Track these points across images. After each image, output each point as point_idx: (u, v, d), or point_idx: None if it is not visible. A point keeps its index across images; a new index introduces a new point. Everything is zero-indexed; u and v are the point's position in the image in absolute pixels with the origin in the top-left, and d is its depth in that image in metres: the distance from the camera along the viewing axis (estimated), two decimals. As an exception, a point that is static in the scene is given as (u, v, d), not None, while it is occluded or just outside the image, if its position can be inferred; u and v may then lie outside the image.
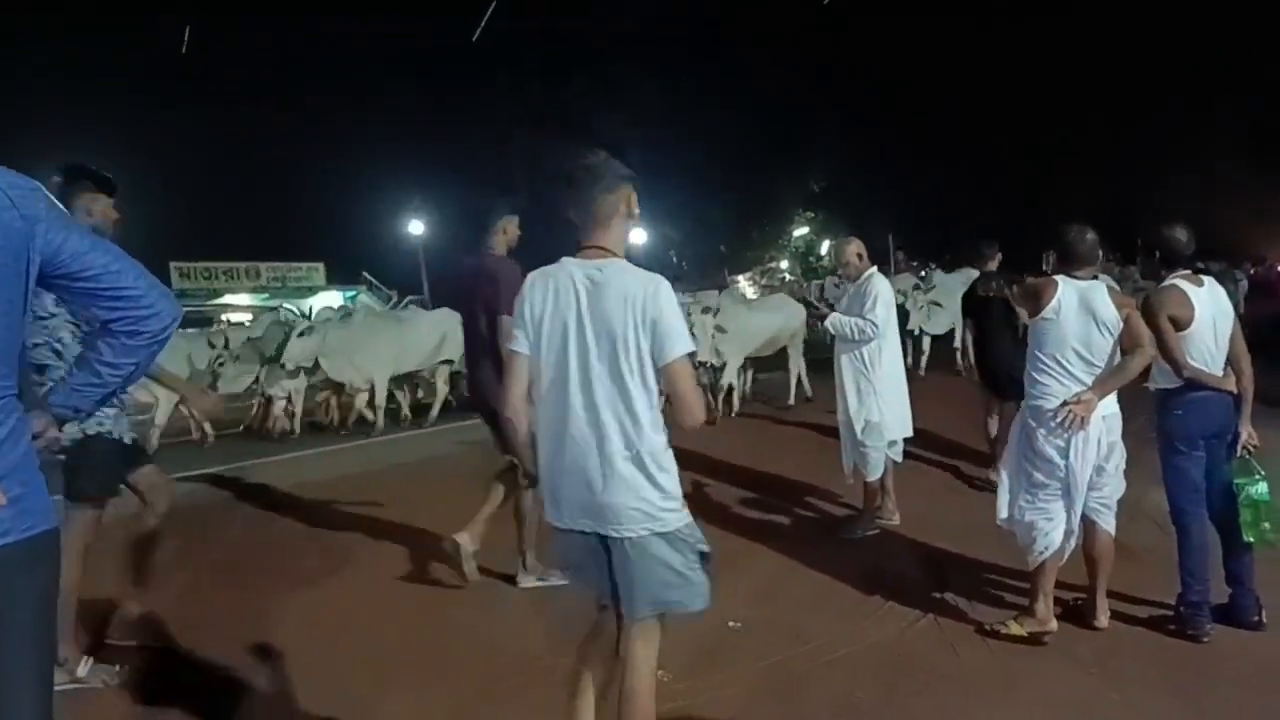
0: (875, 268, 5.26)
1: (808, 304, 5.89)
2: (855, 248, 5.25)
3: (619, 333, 2.34)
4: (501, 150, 28.19)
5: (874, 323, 5.01)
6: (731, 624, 4.00)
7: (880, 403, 5.12)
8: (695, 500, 5.99)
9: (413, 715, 3.38)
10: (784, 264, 35.21)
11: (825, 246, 38.09)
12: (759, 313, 10.53)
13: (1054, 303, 3.55)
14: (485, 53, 24.32)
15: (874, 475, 5.23)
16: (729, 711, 3.27)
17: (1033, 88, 32.13)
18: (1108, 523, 3.72)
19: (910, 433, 5.36)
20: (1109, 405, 3.64)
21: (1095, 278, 3.70)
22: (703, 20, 29.00)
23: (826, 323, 5.24)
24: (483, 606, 4.40)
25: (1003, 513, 3.80)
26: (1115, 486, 3.73)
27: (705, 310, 9.38)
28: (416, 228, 30.36)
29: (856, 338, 5.09)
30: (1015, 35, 32.24)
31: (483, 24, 21.15)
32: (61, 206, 1.76)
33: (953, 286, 11.72)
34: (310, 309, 13.21)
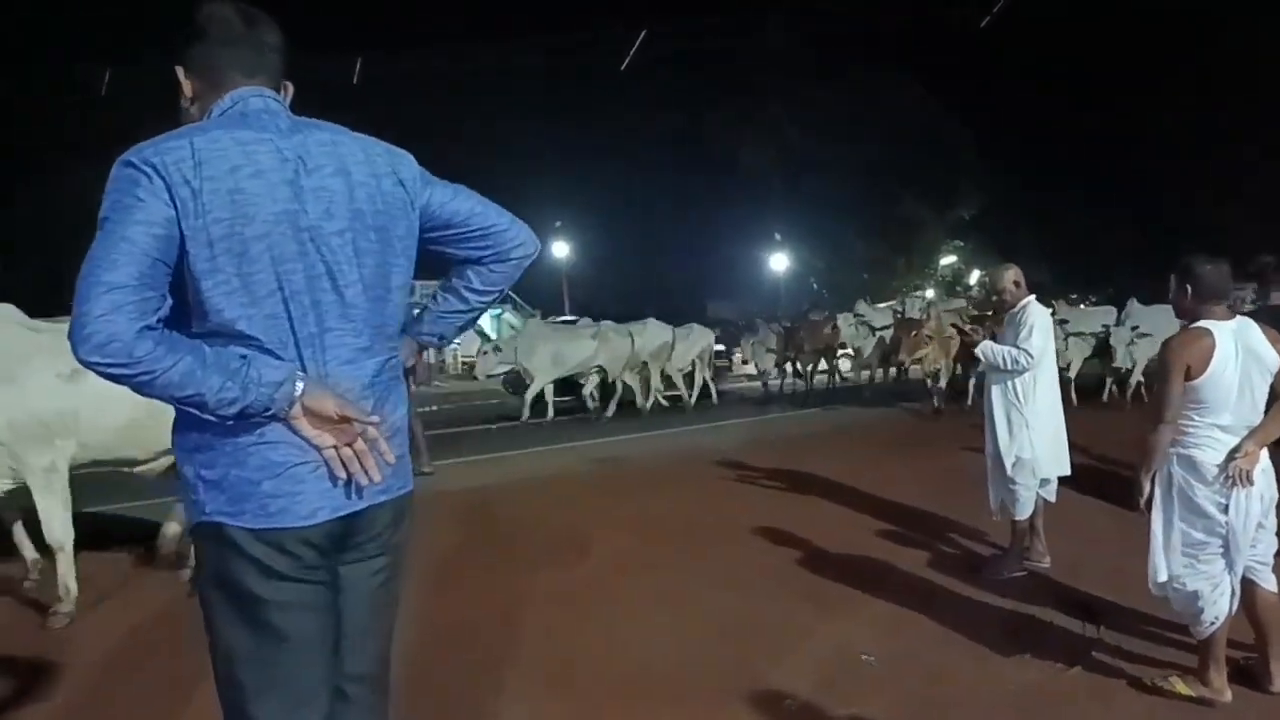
0: (1033, 296, 5.07)
1: (959, 329, 5.70)
2: (1013, 275, 5.07)
3: None
4: (645, 177, 28.64)
5: (1029, 352, 4.80)
6: (864, 656, 3.89)
7: (1033, 437, 4.88)
8: (830, 526, 5.98)
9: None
10: (930, 293, 34.10)
11: (974, 276, 36.76)
12: (565, 341, 13.26)
13: (1215, 356, 3.25)
14: (630, 80, 24.84)
15: (1023, 515, 4.97)
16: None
17: (1196, 113, 29.98)
18: (1269, 581, 3.40)
19: (1066, 471, 5.09)
20: (1264, 456, 3.33)
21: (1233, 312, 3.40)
22: (848, 46, 28.61)
23: (978, 350, 5.06)
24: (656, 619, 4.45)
25: (1159, 575, 3.46)
26: (1271, 542, 3.42)
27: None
28: (560, 249, 31.32)
29: (1010, 367, 4.88)
30: (1178, 58, 30.27)
31: (630, 54, 21.53)
32: (423, 168, 1.91)
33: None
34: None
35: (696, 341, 14.97)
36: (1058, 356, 10.70)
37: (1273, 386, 3.32)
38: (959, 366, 13.31)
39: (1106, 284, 29.78)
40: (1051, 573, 4.98)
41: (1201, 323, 3.34)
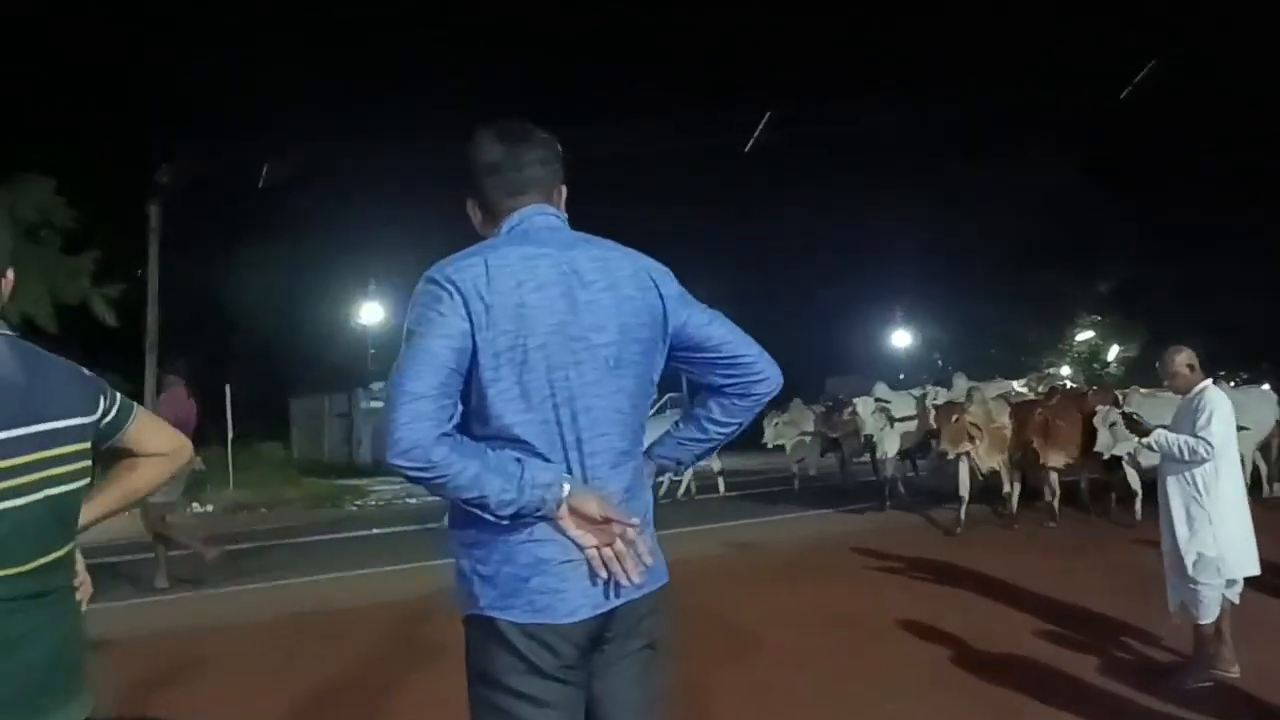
0: (1210, 380, 4.81)
1: (1128, 417, 5.39)
2: (1185, 357, 4.80)
3: None
4: (772, 246, 28.80)
5: (1209, 442, 4.50)
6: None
7: (1216, 534, 4.55)
8: (984, 627, 5.67)
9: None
10: (1065, 369, 32.59)
11: (1113, 352, 35.01)
12: None
13: None
14: (750, 155, 25.20)
15: (1207, 619, 4.59)
16: None
17: None
18: None
19: (1255, 570, 4.70)
20: None
21: None
22: (982, 119, 28.24)
23: (1151, 439, 4.78)
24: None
25: None
26: None
27: None
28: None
29: (1188, 458, 4.59)
30: None
31: (755, 134, 21.80)
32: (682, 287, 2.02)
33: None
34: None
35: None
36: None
37: None
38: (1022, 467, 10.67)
39: (1261, 360, 27.79)
40: (1240, 683, 4.55)
41: None
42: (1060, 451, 9.98)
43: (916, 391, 12.54)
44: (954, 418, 9.64)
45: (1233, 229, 29.58)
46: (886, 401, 11.89)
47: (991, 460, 10.10)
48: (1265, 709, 4.23)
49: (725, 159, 26.65)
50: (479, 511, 1.67)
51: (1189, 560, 4.58)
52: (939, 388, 12.23)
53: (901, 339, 34.64)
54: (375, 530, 9.81)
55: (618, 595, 1.78)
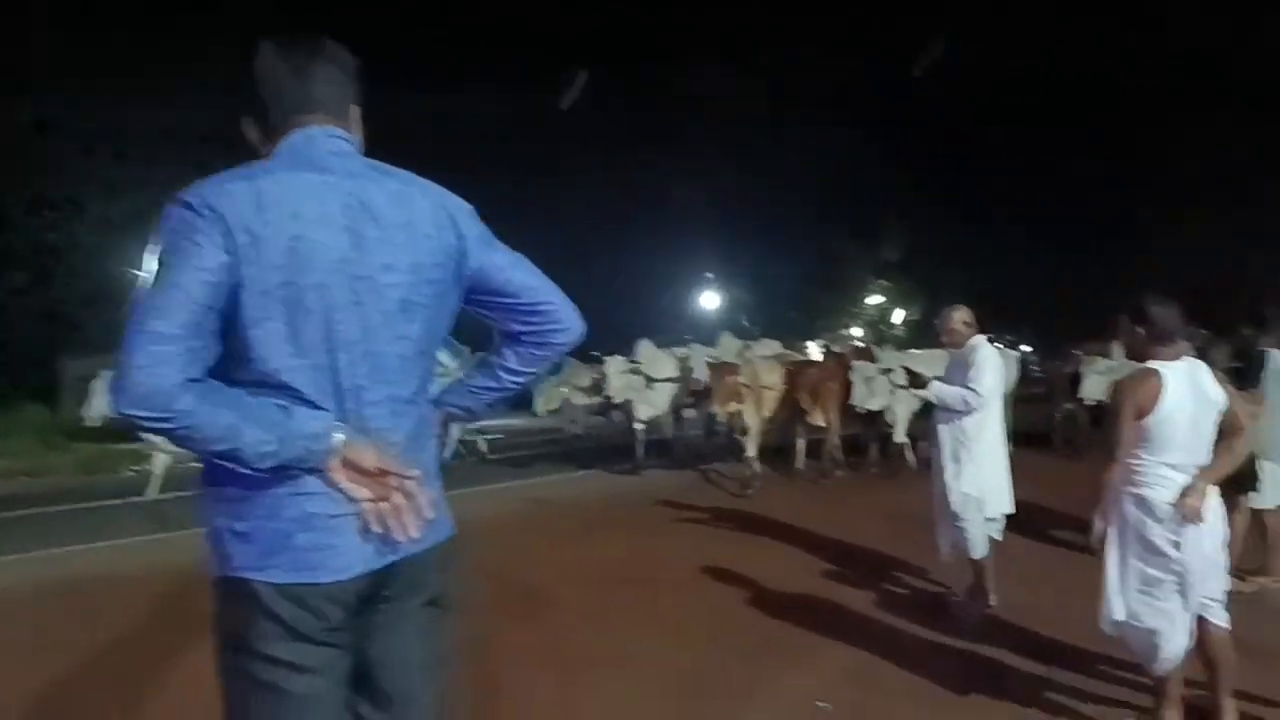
0: (983, 336, 5.12)
1: (910, 372, 5.75)
2: (962, 315, 5.12)
3: None
4: (580, 215, 28.79)
5: (978, 392, 4.85)
6: (819, 704, 3.83)
7: (979, 475, 4.92)
8: (777, 573, 5.92)
9: None
10: (857, 331, 34.80)
11: (899, 315, 37.68)
12: None
13: (1166, 396, 3.28)
14: (563, 116, 24.98)
15: (979, 554, 4.99)
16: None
17: (1124, 156, 31.57)
18: (1221, 619, 3.42)
19: (1011, 509, 5.11)
20: (1214, 495, 3.38)
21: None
22: (780, 92, 29.37)
23: (928, 391, 5.10)
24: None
25: (1115, 614, 3.43)
26: (1222, 579, 3.45)
27: None
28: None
29: (959, 407, 4.93)
30: (1103, 103, 31.93)
31: (571, 93, 21.58)
32: (485, 226, 1.86)
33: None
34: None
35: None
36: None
37: (1220, 426, 3.36)
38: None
39: (1025, 325, 30.80)
40: (1001, 613, 4.97)
41: (1152, 363, 3.37)
42: (828, 409, 10.22)
43: (680, 351, 11.89)
44: (726, 377, 9.49)
45: (1006, 200, 32.50)
46: (638, 363, 11.16)
47: (754, 418, 9.87)
48: (1023, 636, 4.61)
49: (538, 121, 26.29)
50: (232, 465, 1.52)
51: (955, 500, 4.94)
52: (703, 346, 11.87)
53: (711, 300, 35.67)
54: (156, 496, 9.01)
55: (394, 551, 1.66)
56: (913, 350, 12.68)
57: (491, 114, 25.16)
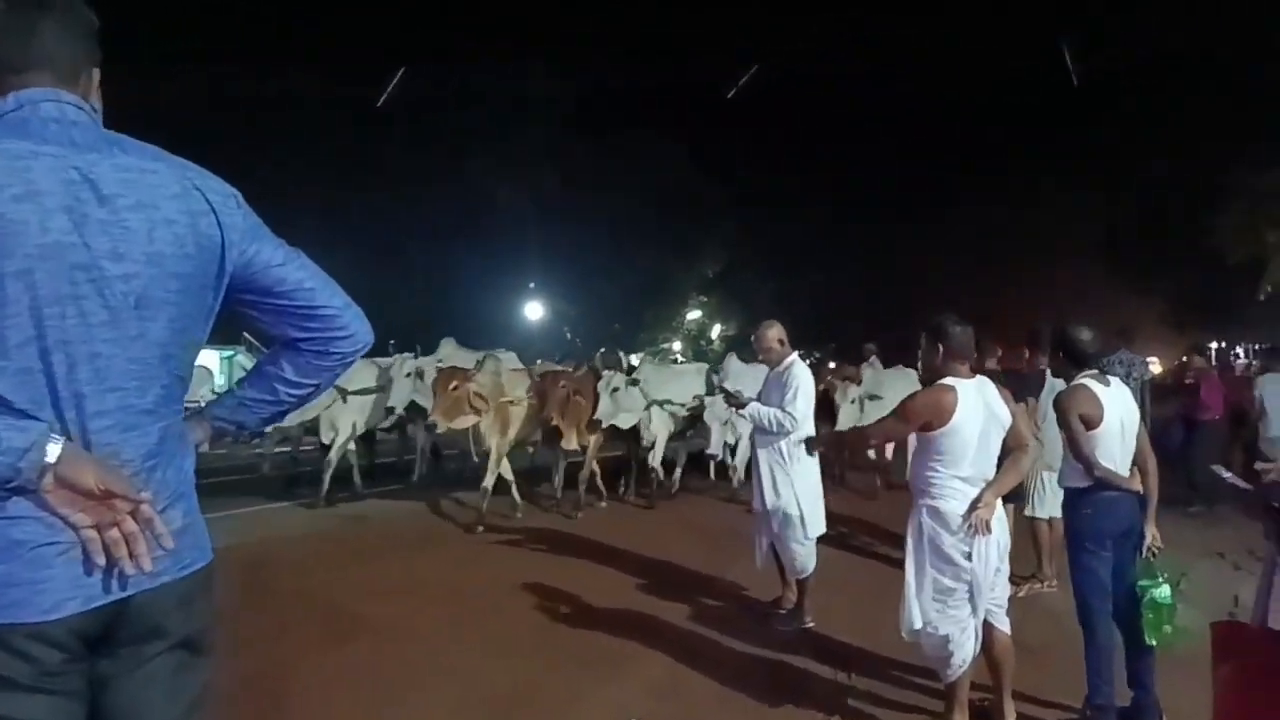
0: (796, 354, 5.23)
1: (725, 391, 5.79)
2: (776, 332, 5.21)
3: None
4: (405, 213, 27.85)
5: (793, 415, 4.95)
6: (633, 719, 3.90)
7: (798, 496, 5.05)
8: (590, 588, 5.94)
9: None
10: (676, 345, 35.58)
11: (716, 330, 38.83)
12: None
13: (958, 411, 3.51)
14: (383, 117, 24.17)
15: (806, 572, 5.16)
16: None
17: (924, 174, 34.25)
18: (1004, 624, 3.72)
19: (823, 529, 5.25)
20: (999, 506, 3.66)
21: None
22: (604, 99, 29.70)
23: (745, 412, 5.20)
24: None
25: (914, 623, 3.64)
26: (1005, 587, 3.76)
27: None
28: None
29: (775, 430, 5.03)
30: (909, 126, 34.46)
31: (387, 91, 20.87)
32: (256, 216, 1.63)
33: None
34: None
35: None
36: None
37: (1005, 441, 3.64)
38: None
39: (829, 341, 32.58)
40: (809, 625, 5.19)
41: (947, 380, 3.60)
42: (581, 428, 8.73)
43: (384, 361, 9.66)
44: (452, 385, 7.75)
45: (815, 222, 34.35)
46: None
47: (492, 438, 8.35)
48: (827, 645, 4.84)
49: (357, 119, 25.28)
50: None
51: (776, 520, 5.10)
52: (407, 355, 9.51)
53: (534, 311, 35.37)
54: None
55: (123, 587, 1.44)
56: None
57: (310, 105, 23.86)
